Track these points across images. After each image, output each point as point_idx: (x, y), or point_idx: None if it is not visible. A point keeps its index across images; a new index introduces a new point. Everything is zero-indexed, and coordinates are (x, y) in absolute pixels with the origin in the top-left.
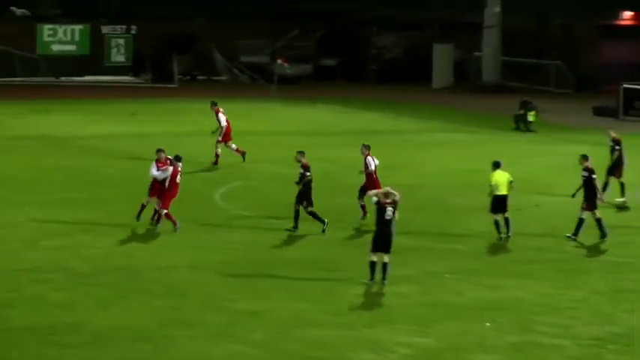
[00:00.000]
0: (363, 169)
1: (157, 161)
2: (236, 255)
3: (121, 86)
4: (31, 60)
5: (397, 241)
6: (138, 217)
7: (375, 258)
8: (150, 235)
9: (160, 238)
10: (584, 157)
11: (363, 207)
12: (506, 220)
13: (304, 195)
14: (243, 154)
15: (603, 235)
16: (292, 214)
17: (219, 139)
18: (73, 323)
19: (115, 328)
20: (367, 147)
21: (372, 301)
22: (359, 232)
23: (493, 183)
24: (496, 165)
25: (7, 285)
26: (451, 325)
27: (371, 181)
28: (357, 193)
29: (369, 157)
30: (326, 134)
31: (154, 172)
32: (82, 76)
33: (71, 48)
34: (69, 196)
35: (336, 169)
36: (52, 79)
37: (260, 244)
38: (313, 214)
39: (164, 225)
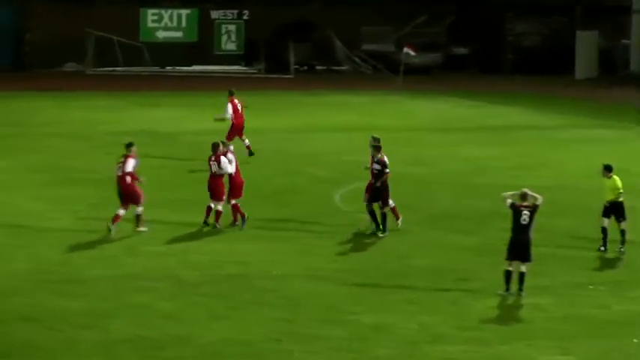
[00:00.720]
0: (369, 165)
1: (222, 154)
2: (358, 263)
3: (232, 77)
4: (133, 48)
5: (535, 248)
6: (235, 223)
7: (510, 267)
8: (263, 240)
9: (275, 243)
10: None
11: (372, 214)
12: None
13: (380, 194)
14: (250, 152)
15: None
16: (419, 217)
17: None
18: (178, 336)
19: (225, 342)
20: (378, 141)
21: (507, 314)
22: (492, 237)
23: (622, 190)
24: (611, 169)
25: (107, 293)
26: (595, 341)
27: (384, 183)
28: (477, 194)
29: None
30: (456, 130)
31: (229, 167)
32: (189, 65)
33: (178, 35)
34: (174, 196)
35: (466, 169)
36: (157, 68)
37: (384, 251)
38: (383, 215)
39: (283, 232)
